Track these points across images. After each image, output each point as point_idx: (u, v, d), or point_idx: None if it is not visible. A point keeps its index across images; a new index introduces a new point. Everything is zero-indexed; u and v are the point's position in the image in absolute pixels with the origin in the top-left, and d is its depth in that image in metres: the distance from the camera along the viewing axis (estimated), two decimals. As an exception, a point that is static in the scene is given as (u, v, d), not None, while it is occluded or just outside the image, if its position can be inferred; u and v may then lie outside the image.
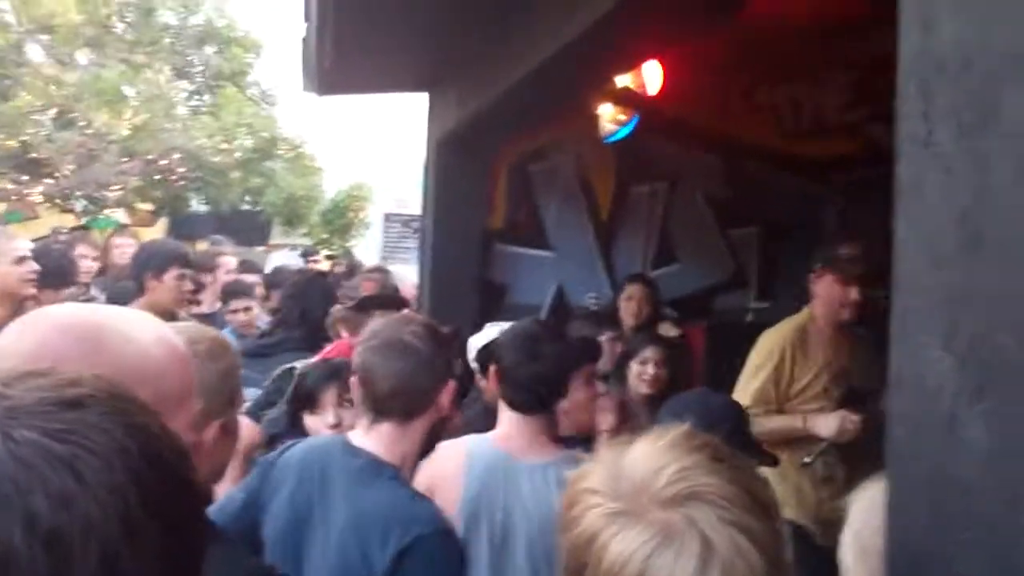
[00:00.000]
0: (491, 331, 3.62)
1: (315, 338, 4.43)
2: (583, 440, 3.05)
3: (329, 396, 2.84)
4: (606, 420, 3.59)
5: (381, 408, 2.22)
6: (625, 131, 5.64)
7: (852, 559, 1.63)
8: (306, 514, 2.14)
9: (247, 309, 5.67)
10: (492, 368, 2.69)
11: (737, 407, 2.76)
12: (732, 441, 2.53)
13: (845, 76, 6.24)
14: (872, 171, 6.29)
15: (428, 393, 2.22)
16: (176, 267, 4.66)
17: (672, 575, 0.94)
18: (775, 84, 6.20)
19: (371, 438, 2.22)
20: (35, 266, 4.14)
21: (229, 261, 6.63)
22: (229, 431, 1.77)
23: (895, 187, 1.31)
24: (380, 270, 7.08)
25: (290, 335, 4.51)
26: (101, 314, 1.26)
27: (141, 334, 1.24)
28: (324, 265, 12.48)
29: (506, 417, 2.64)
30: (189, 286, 4.80)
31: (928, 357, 1.23)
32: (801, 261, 4.08)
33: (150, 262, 4.77)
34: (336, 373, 2.87)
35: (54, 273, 4.99)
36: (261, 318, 5.81)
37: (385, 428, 2.21)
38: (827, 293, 3.80)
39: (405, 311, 3.95)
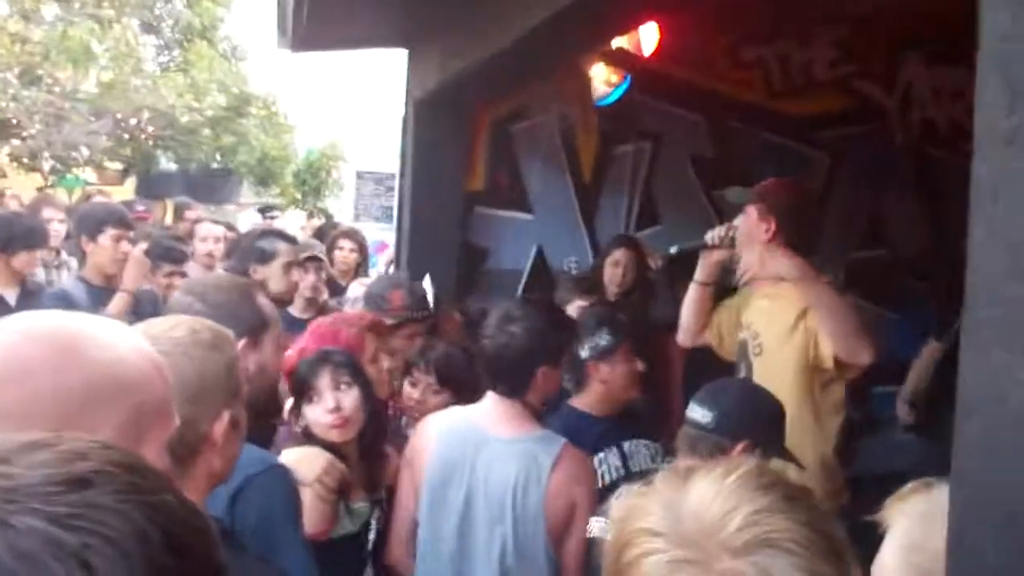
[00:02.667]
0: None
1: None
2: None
3: (324, 381, 2.73)
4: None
5: None
6: (618, 93, 5.46)
7: None
8: None
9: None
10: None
11: (778, 405, 2.62)
12: (766, 439, 2.42)
13: (833, 32, 6.10)
14: (858, 128, 6.25)
15: None
16: (110, 228, 4.70)
17: None
18: (763, 41, 6.06)
19: None
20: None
21: (208, 228, 6.41)
22: (237, 424, 1.71)
23: (972, 187, 1.18)
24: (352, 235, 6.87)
25: None
26: (75, 321, 1.16)
27: (117, 342, 1.15)
28: (292, 222, 12.23)
29: (487, 392, 2.77)
30: (127, 247, 4.76)
31: (1010, 378, 1.11)
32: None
33: (83, 224, 4.85)
34: (327, 357, 2.80)
35: (25, 236, 4.90)
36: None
37: None
38: None
39: None
